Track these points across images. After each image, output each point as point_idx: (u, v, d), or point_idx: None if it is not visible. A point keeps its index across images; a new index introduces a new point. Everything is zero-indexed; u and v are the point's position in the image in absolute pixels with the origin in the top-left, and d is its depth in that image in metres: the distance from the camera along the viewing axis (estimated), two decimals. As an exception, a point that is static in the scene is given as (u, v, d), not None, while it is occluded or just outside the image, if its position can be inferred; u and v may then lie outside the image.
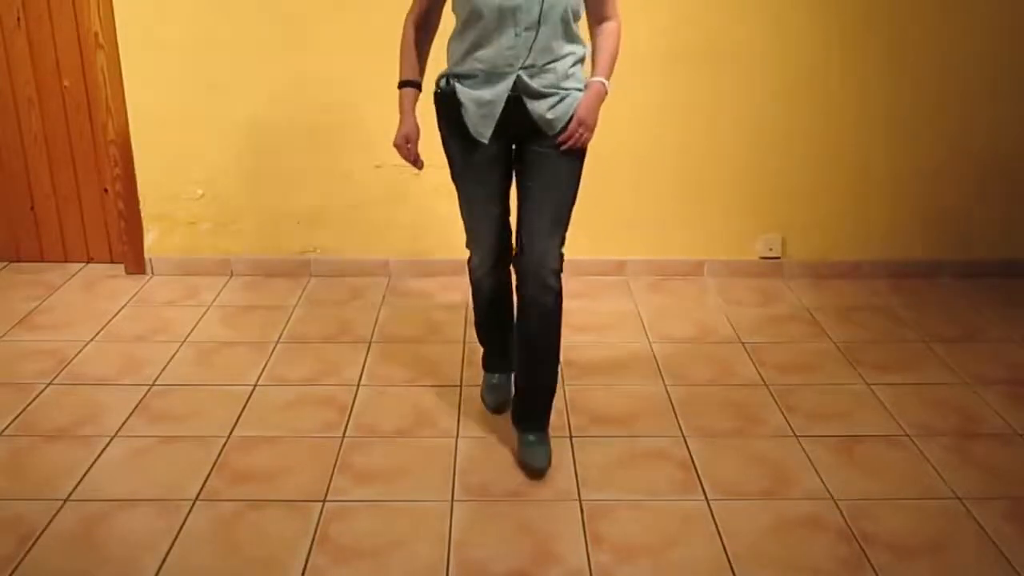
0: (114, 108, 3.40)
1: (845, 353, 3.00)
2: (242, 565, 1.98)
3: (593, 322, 3.21)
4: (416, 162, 2.34)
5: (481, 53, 2.17)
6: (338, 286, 3.53)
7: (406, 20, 2.34)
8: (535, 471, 2.33)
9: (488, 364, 2.70)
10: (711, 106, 3.42)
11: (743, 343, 3.07)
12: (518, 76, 2.17)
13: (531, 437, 2.39)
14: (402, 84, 2.34)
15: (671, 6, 3.27)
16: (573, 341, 3.02)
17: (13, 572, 1.94)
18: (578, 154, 2.28)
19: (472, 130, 2.24)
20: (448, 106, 2.27)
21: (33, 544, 2.02)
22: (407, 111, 2.32)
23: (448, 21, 2.31)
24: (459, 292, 3.46)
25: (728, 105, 3.42)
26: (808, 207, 3.57)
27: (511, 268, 2.45)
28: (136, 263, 3.61)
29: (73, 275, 3.60)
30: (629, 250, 3.63)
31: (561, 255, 2.29)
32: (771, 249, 3.63)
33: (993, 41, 3.37)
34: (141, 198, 3.53)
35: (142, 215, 3.55)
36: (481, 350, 2.71)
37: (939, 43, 3.36)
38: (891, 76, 3.40)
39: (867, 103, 3.43)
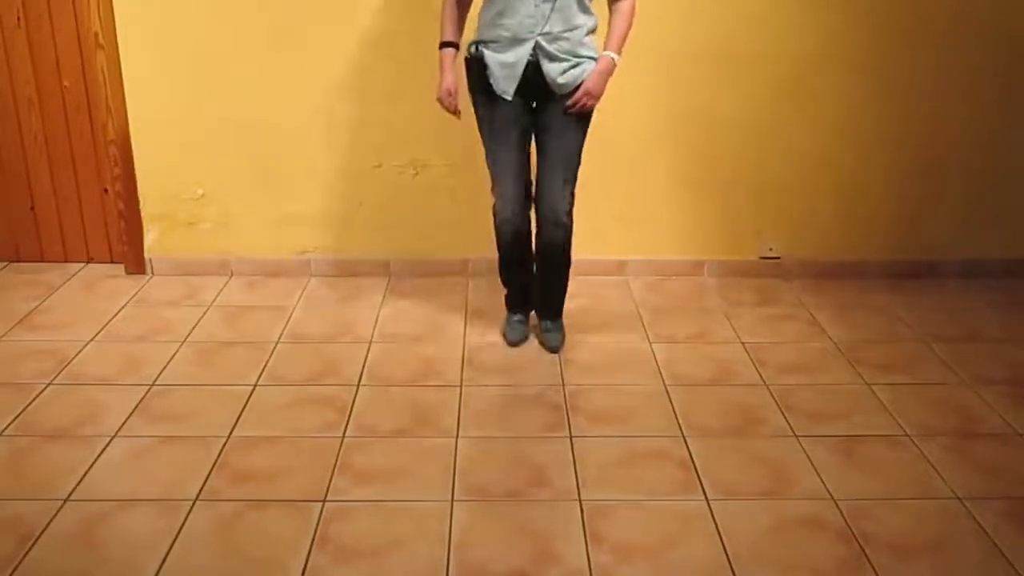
0: (114, 108, 3.40)
1: (845, 353, 3.00)
2: (242, 565, 1.98)
3: (593, 322, 3.21)
4: (456, 111, 2.74)
5: (505, 21, 2.56)
6: (338, 286, 3.53)
7: None
8: (552, 349, 2.93)
9: (510, 304, 3.08)
10: (711, 106, 3.42)
11: (743, 343, 3.07)
12: (537, 41, 2.56)
13: (548, 324, 3.00)
14: (443, 45, 2.72)
15: (671, 5, 3.27)
16: (573, 341, 3.02)
17: (13, 572, 1.94)
18: (585, 117, 2.68)
19: (497, 89, 2.62)
20: (477, 69, 2.65)
21: (33, 544, 2.02)
22: (447, 68, 2.71)
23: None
24: (459, 292, 3.46)
25: (728, 105, 3.42)
26: (808, 207, 3.57)
27: (529, 216, 2.83)
28: (136, 263, 3.61)
29: (73, 275, 3.60)
30: (629, 250, 3.63)
31: (572, 197, 2.74)
32: (771, 249, 3.63)
33: (993, 41, 3.37)
34: (141, 198, 3.53)
35: (142, 215, 3.55)
36: (504, 291, 3.07)
37: (939, 43, 3.36)
38: (891, 75, 3.40)
39: (867, 103, 3.43)
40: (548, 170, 2.71)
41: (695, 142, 3.48)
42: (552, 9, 2.52)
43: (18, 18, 3.36)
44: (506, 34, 2.57)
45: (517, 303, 3.07)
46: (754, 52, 3.35)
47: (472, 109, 2.77)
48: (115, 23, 3.31)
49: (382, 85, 3.37)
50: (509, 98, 2.62)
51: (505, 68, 2.59)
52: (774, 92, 3.41)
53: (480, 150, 2.81)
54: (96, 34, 3.31)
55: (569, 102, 2.61)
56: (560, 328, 3.01)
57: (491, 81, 2.62)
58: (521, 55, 2.57)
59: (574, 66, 2.60)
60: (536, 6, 2.52)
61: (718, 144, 3.48)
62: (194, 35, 3.31)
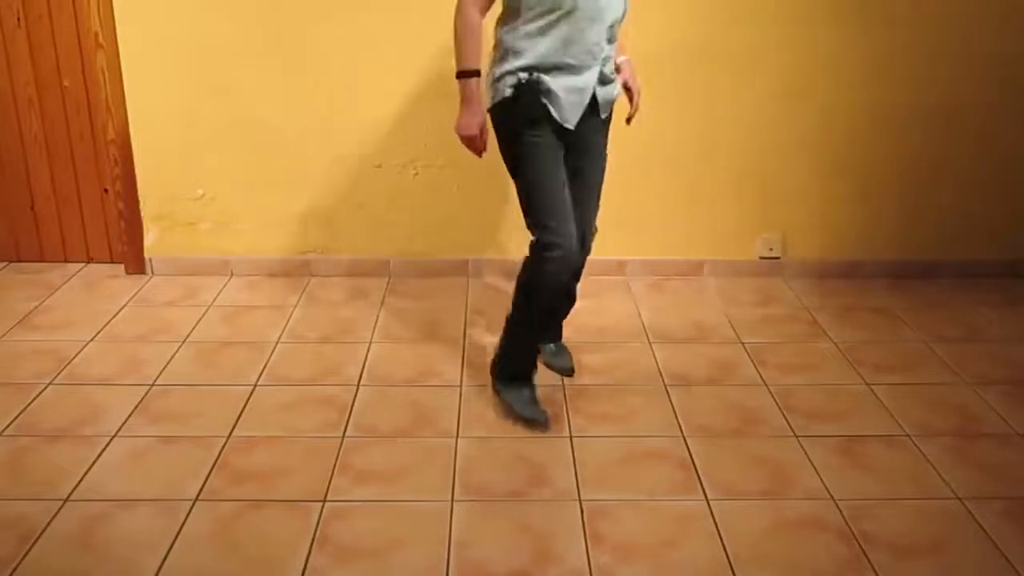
0: (114, 108, 3.40)
1: (845, 353, 3.00)
2: (242, 565, 1.98)
3: (593, 322, 3.21)
4: (483, 151, 2.41)
5: (572, 48, 2.28)
6: (338, 286, 3.53)
7: (466, 6, 2.29)
8: (566, 370, 2.81)
9: (529, 371, 2.60)
10: (710, 105, 3.42)
11: (743, 343, 3.07)
12: (599, 65, 2.36)
13: (553, 347, 2.88)
14: (467, 73, 2.32)
15: (670, 6, 3.27)
16: (573, 341, 3.02)
17: (13, 572, 1.94)
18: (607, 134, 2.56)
19: (559, 116, 2.33)
20: (529, 98, 2.30)
21: (33, 544, 2.03)
22: (477, 100, 2.33)
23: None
24: (459, 292, 3.46)
25: (728, 105, 3.42)
26: (808, 207, 3.57)
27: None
28: (136, 263, 3.61)
29: (73, 275, 3.60)
30: (629, 250, 3.63)
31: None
32: (771, 249, 3.63)
33: (991, 42, 3.37)
34: (141, 198, 3.53)
35: (142, 215, 3.55)
36: (521, 359, 2.58)
37: (938, 44, 3.36)
38: (890, 76, 3.40)
39: (867, 103, 3.43)
40: (585, 196, 2.51)
41: (695, 142, 3.47)
42: (611, 32, 2.35)
43: (18, 18, 3.36)
44: (571, 61, 2.30)
45: (534, 365, 2.62)
46: (754, 52, 3.35)
47: (500, 146, 2.43)
48: (115, 23, 3.31)
49: (382, 85, 3.37)
50: (572, 127, 2.36)
51: (573, 94, 2.33)
52: (774, 92, 3.41)
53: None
54: (96, 34, 3.31)
55: (631, 111, 2.58)
56: (565, 347, 2.92)
57: (552, 110, 2.31)
58: (589, 81, 2.34)
59: (612, 84, 2.47)
60: (599, 31, 2.30)
61: (718, 144, 3.48)
62: (194, 35, 3.31)
